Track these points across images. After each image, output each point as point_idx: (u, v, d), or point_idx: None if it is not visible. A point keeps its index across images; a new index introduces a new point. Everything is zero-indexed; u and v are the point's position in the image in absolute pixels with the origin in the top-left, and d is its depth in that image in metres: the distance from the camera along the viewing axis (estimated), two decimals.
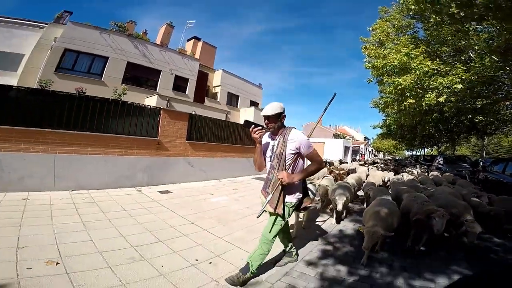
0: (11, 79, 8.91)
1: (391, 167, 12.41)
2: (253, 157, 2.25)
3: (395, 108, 10.66)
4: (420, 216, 2.83)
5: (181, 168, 6.62)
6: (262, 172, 2.30)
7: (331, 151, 18.34)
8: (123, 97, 6.34)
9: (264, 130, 2.07)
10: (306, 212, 3.34)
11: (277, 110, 2.05)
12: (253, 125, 2.02)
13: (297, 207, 2.23)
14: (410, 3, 8.61)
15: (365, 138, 53.77)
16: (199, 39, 18.51)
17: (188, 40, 18.61)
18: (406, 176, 7.53)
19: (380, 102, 14.16)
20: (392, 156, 44.24)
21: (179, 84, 14.59)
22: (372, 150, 47.00)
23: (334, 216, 4.06)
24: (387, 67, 8.74)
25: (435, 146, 27.08)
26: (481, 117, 13.63)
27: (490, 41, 8.03)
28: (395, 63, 8.46)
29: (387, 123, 21.16)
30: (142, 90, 12.57)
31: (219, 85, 17.23)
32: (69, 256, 2.31)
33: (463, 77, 8.24)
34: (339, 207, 3.66)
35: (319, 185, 4.70)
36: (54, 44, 10.32)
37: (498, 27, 7.13)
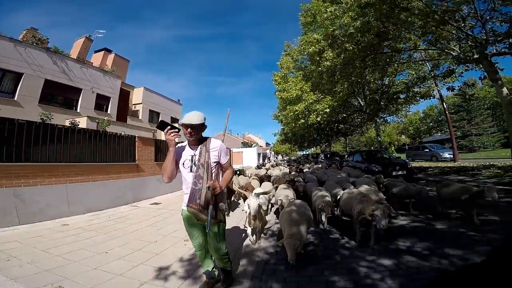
0: None
1: (294, 165, 17.25)
2: (164, 163, 2.14)
3: (293, 125, 15.50)
4: (365, 215, 3.18)
5: (153, 184, 8.27)
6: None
7: (248, 158, 22.31)
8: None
9: (179, 134, 2.09)
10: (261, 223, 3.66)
11: (202, 120, 2.10)
12: (168, 127, 2.00)
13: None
14: (307, 48, 12.25)
15: (267, 143, 62.67)
16: (110, 51, 17.90)
17: (96, 51, 17.56)
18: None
19: (279, 115, 19.45)
20: (288, 157, 54.02)
21: (100, 102, 14.65)
22: (273, 153, 55.67)
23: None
24: (289, 99, 13.13)
25: (318, 146, 36.39)
26: (342, 125, 21.05)
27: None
28: (294, 96, 12.92)
29: (285, 131, 27.44)
30: (62, 111, 12.13)
31: (141, 103, 17.85)
32: (187, 240, 3.53)
33: (330, 104, 13.52)
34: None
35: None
36: None
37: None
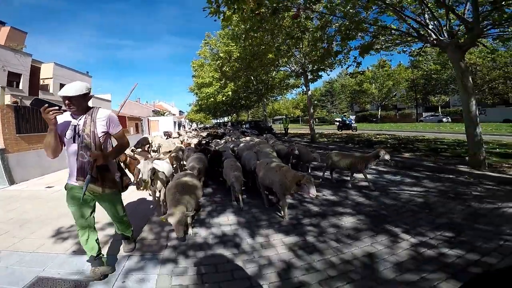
0: None
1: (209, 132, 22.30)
2: (45, 141, 1.93)
3: (206, 101, 20.48)
4: (291, 188, 3.04)
5: None
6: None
7: (165, 126, 24.97)
8: None
9: (61, 111, 1.86)
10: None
11: (82, 91, 1.96)
12: (46, 105, 1.77)
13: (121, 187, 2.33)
14: (223, 44, 15.83)
15: (180, 112, 64.44)
16: (3, 24, 17.60)
17: None
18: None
19: (194, 88, 24.05)
20: (203, 125, 58.44)
21: (12, 79, 15.33)
22: (188, 121, 58.72)
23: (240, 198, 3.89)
24: (203, 83, 17.86)
25: (229, 116, 42.73)
26: (244, 102, 27.36)
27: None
28: (207, 82, 17.68)
29: (200, 103, 31.82)
30: None
31: (51, 77, 18.55)
32: None
33: (232, 88, 18.93)
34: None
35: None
36: None
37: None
